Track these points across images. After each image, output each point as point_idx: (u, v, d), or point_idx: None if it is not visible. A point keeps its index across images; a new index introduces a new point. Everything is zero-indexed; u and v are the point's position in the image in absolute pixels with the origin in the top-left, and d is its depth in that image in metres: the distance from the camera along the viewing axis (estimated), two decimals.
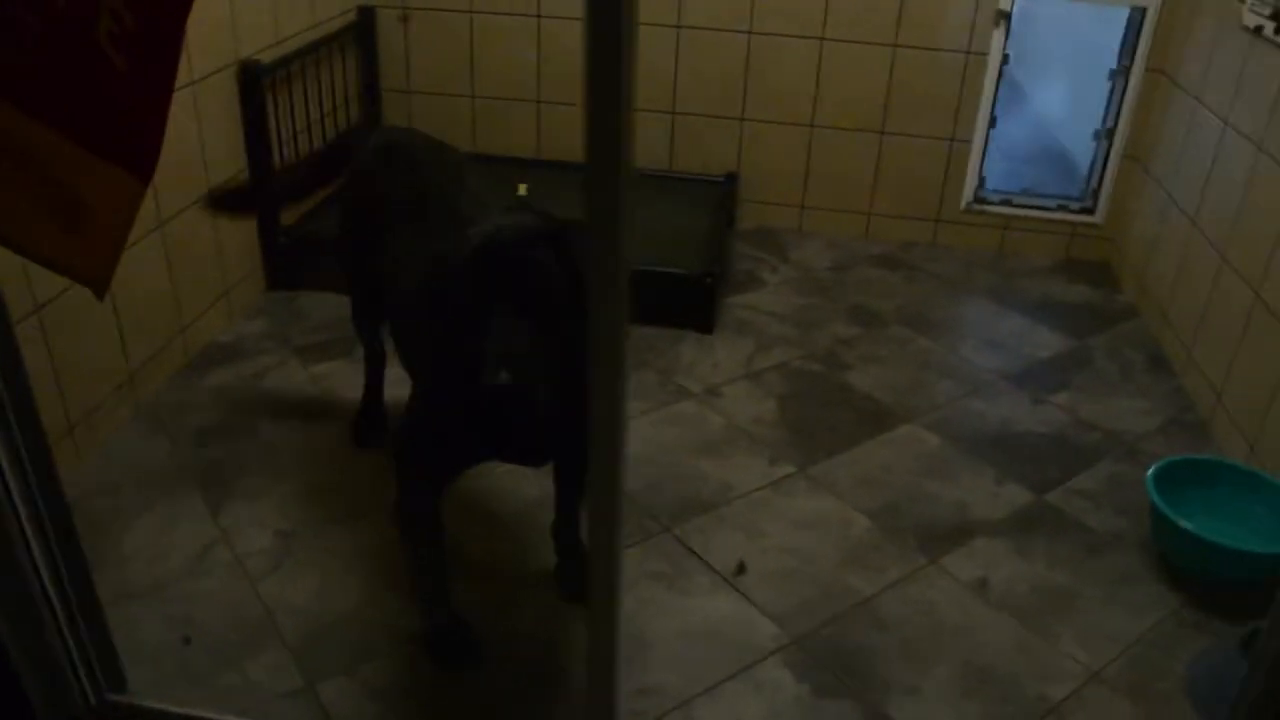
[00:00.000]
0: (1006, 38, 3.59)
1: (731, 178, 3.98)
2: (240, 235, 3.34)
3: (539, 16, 3.92)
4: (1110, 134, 3.62)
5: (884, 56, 3.70)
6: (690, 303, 3.29)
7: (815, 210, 4.01)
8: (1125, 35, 3.49)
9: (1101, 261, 3.80)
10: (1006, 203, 3.82)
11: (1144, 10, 3.40)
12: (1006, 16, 3.54)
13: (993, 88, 3.66)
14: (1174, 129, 3.30)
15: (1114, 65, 3.55)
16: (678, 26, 3.85)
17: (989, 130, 3.73)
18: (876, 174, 3.89)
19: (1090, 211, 3.73)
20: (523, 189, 3.68)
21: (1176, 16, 3.35)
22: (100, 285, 1.36)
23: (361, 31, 3.98)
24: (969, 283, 3.68)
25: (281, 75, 3.41)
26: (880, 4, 3.63)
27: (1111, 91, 3.59)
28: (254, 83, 3.26)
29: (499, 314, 1.57)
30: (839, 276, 3.70)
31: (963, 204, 3.83)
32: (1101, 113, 3.63)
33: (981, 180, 3.80)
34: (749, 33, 3.79)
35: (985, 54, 3.62)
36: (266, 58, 3.32)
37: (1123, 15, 3.47)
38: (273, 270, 3.48)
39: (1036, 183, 3.86)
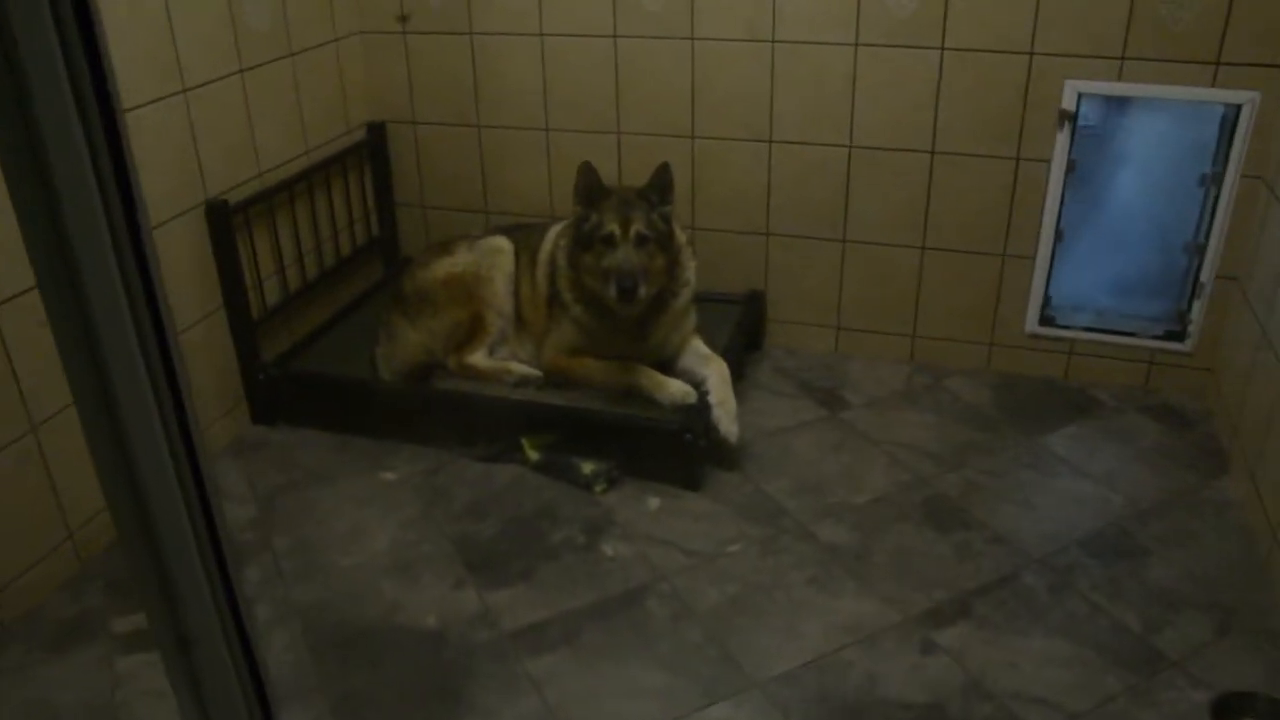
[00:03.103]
0: (1072, 141, 3.17)
1: (756, 296, 3.56)
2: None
3: (547, 130, 3.55)
4: (1201, 249, 3.18)
5: (920, 164, 3.28)
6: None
7: (850, 332, 3.59)
8: (1219, 136, 3.06)
9: (1193, 397, 3.34)
10: (1078, 326, 3.38)
11: (1239, 108, 2.97)
12: (1071, 117, 3.12)
13: (1057, 198, 3.24)
14: (1272, 249, 2.86)
15: (1206, 169, 3.12)
16: (692, 137, 3.44)
17: (1055, 245, 3.30)
18: (919, 293, 3.47)
19: (1179, 338, 3.29)
20: None
21: (1278, 115, 2.92)
22: None
23: (374, 149, 3.72)
24: (1015, 425, 3.24)
25: (263, 209, 3.20)
26: (913, 108, 3.22)
27: (1204, 200, 3.15)
28: (223, 222, 2.90)
29: None
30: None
31: (1027, 327, 3.40)
32: (1193, 224, 3.19)
33: (1048, 299, 3.37)
34: (769, 141, 3.38)
35: (1047, 160, 3.19)
36: (247, 191, 3.16)
37: (1215, 114, 3.04)
38: (256, 405, 3.27)
39: (1113, 303, 3.40)
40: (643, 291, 2.89)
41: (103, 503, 2.45)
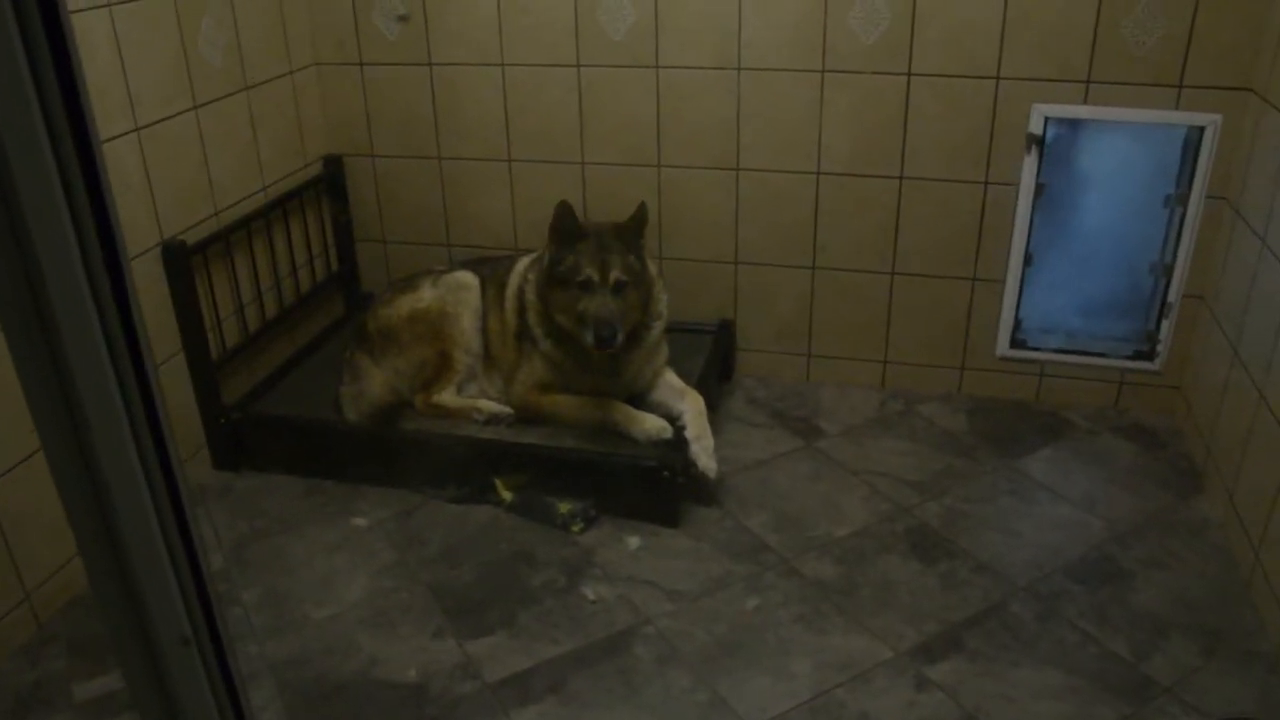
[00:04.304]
0: (1040, 165, 3.18)
1: (726, 325, 3.52)
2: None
3: (510, 161, 3.50)
4: (1168, 269, 3.20)
5: (889, 189, 3.27)
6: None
7: (821, 359, 3.56)
8: (1182, 158, 3.09)
9: (1163, 416, 3.36)
10: (1049, 349, 3.38)
11: (1202, 130, 3.00)
12: (1039, 141, 3.13)
13: (1026, 221, 3.24)
14: (1239, 269, 2.89)
15: (1170, 191, 3.14)
16: (659, 166, 3.40)
17: (1024, 268, 3.30)
18: (890, 318, 3.46)
19: (1148, 357, 3.31)
20: None
21: (1239, 137, 2.95)
22: None
23: (331, 182, 3.64)
24: (989, 449, 3.23)
25: (220, 248, 3.12)
26: (881, 134, 3.21)
27: (1169, 221, 3.17)
28: (181, 263, 2.82)
29: None
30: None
31: (998, 350, 3.40)
32: (1159, 245, 3.21)
33: (1018, 322, 3.37)
34: (737, 169, 3.35)
35: (1015, 184, 3.20)
36: (204, 230, 3.07)
37: (1179, 136, 3.07)
38: (217, 450, 3.15)
39: (1083, 325, 3.41)
40: (620, 339, 2.84)
41: (60, 560, 2.35)
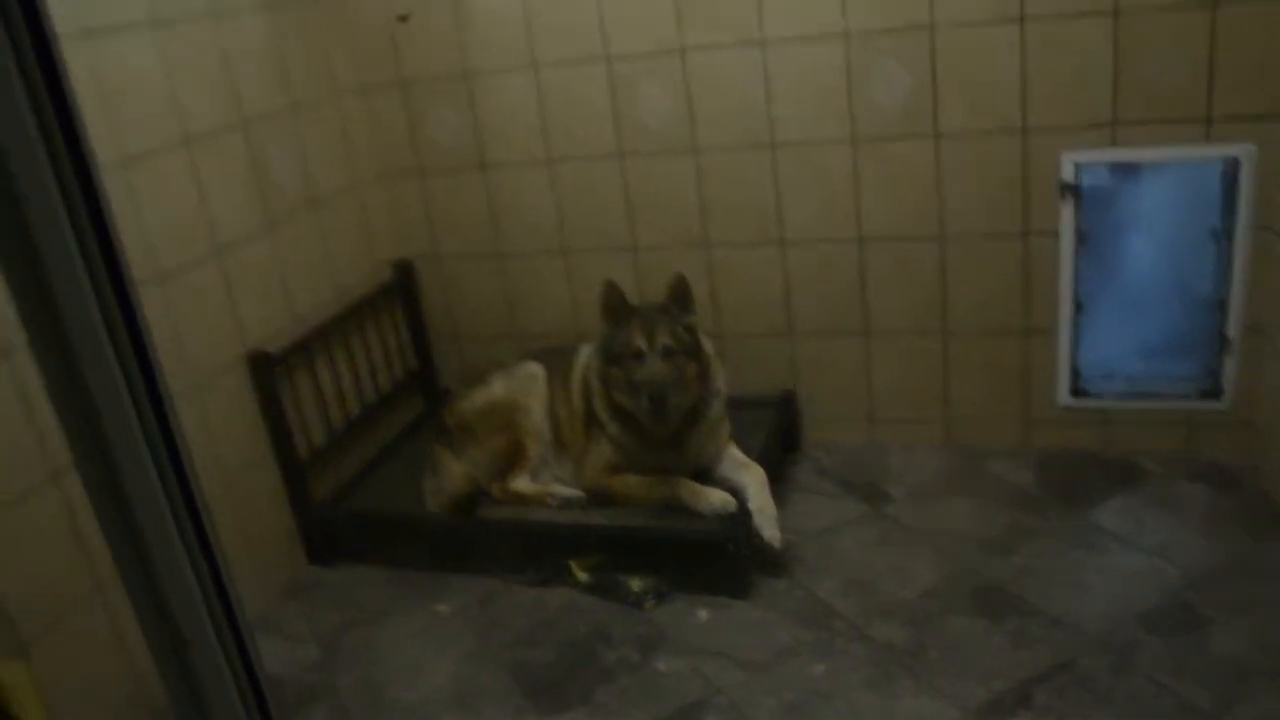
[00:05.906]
0: (1078, 211, 3.21)
1: (788, 397, 3.59)
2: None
3: (566, 253, 3.68)
4: (1223, 304, 3.18)
5: (931, 250, 3.34)
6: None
7: (884, 422, 3.60)
8: (1222, 190, 3.08)
9: (1237, 454, 3.29)
10: (1112, 395, 3.37)
11: (1237, 160, 3.00)
12: (1073, 189, 3.17)
13: (1070, 269, 3.27)
14: None
15: (1216, 224, 3.13)
16: (707, 245, 3.53)
17: (1075, 316, 3.32)
18: (947, 377, 3.49)
19: (1214, 395, 3.28)
20: None
21: (1278, 164, 2.94)
22: None
23: (403, 286, 3.86)
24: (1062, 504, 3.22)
25: (302, 356, 3.33)
26: (917, 195, 3.29)
27: (1218, 255, 3.16)
28: (265, 372, 3.01)
29: None
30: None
31: (1060, 400, 3.40)
32: (1211, 280, 3.19)
33: (1077, 371, 3.38)
34: (782, 242, 3.46)
35: (1055, 233, 3.23)
36: (285, 339, 3.30)
37: (1215, 168, 3.07)
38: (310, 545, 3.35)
39: (1143, 368, 3.39)
40: (673, 402, 2.95)
41: None
